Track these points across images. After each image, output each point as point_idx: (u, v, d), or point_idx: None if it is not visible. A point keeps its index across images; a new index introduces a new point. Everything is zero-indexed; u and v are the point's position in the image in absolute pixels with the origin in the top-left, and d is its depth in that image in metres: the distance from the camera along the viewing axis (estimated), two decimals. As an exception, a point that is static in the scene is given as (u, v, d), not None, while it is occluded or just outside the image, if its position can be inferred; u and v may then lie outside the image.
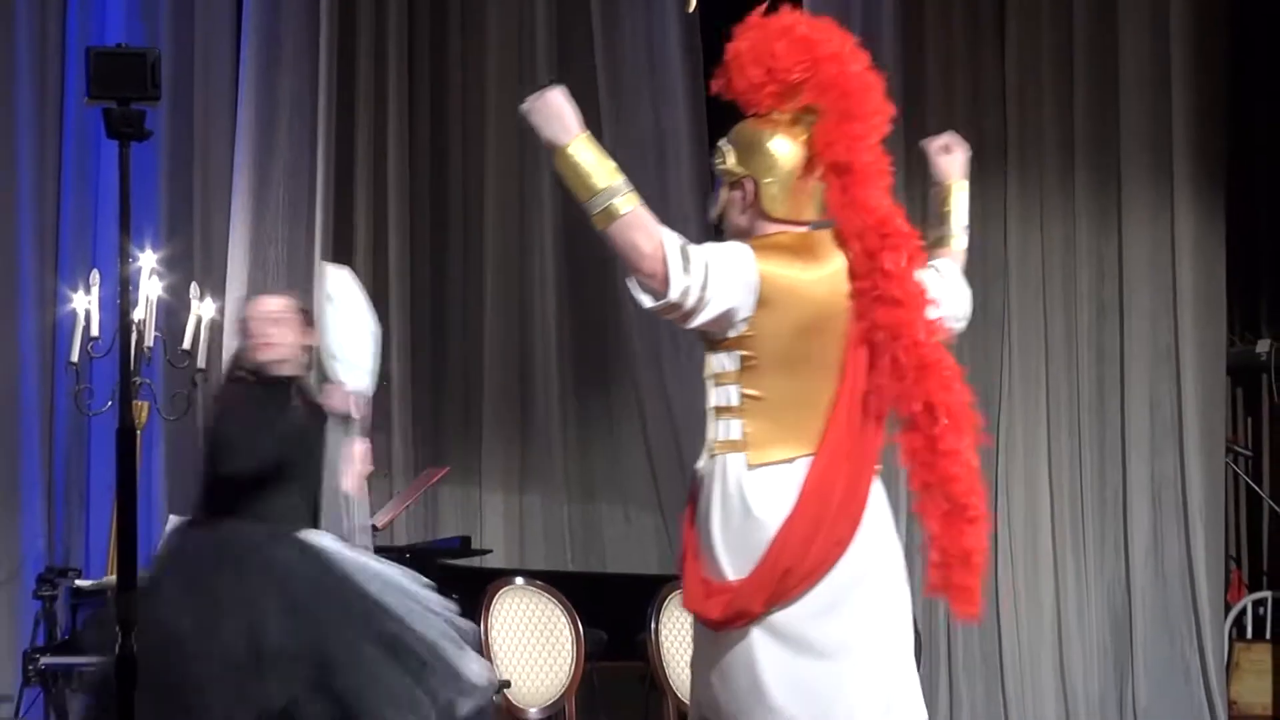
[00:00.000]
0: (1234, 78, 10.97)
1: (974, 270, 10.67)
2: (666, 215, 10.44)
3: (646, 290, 5.66)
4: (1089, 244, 10.89)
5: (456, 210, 12.15)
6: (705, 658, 5.79)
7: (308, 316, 7.45)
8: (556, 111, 5.78)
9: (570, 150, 5.73)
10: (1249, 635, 10.75)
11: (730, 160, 5.83)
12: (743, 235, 5.81)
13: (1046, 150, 10.96)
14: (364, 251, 11.86)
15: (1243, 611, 10.78)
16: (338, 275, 7.70)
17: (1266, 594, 10.84)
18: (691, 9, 8.26)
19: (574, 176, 5.70)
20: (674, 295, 5.60)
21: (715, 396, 5.74)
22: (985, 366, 10.79)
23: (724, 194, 5.89)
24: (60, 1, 12.47)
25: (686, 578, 5.74)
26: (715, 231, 6.19)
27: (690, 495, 5.77)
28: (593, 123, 11.09)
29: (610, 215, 5.62)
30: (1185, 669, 10.53)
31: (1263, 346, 11.06)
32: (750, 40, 5.89)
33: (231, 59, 12.03)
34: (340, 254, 11.66)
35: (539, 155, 11.82)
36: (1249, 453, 11.09)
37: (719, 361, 5.75)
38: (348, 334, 7.45)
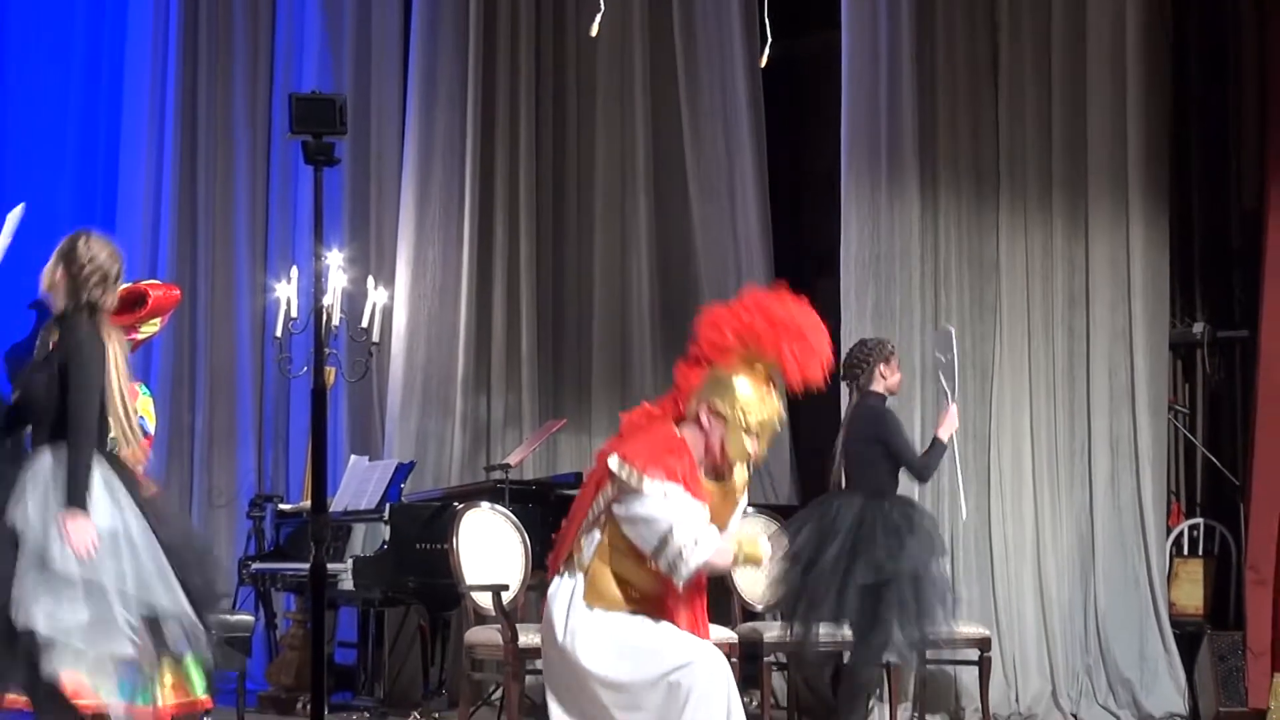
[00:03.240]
0: (1176, 111, 10.89)
1: (971, 269, 10.90)
2: (736, 250, 10.60)
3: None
4: (1062, 247, 10.79)
5: (572, 218, 12.16)
6: None
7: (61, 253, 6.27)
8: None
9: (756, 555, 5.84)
10: (1185, 552, 10.67)
11: None
12: None
13: (1029, 172, 10.86)
14: (500, 251, 11.91)
15: (1180, 534, 10.70)
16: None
17: (1199, 520, 10.72)
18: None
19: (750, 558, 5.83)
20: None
21: None
22: (981, 345, 10.81)
23: None
24: (268, 57, 12.60)
25: None
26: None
27: None
28: (678, 162, 11.23)
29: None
30: (1135, 579, 10.45)
31: (1198, 328, 10.89)
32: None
33: (399, 102, 12.13)
34: (482, 253, 11.81)
35: (637, 175, 11.95)
36: (1186, 410, 10.92)
37: None
38: None
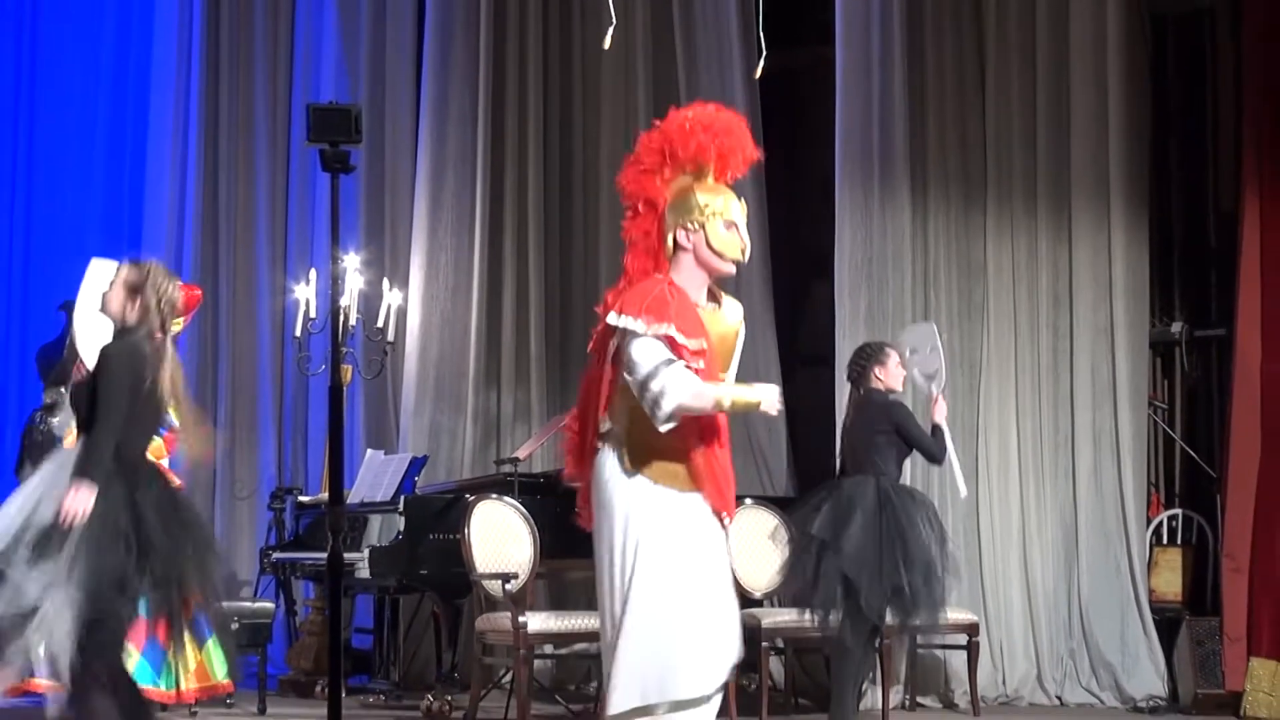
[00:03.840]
0: (1155, 124, 10.91)
1: (960, 271, 10.93)
2: None
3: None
4: (1047, 251, 10.81)
5: (578, 223, 12.14)
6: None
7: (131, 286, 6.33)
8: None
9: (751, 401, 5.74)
10: (1164, 541, 10.68)
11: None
12: None
13: (1015, 179, 10.87)
14: (510, 255, 11.90)
15: (1160, 524, 10.71)
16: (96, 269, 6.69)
17: (1177, 510, 10.76)
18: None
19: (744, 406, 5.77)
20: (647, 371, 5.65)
21: None
22: (970, 343, 10.83)
23: None
24: (288, 69, 12.59)
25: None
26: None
27: None
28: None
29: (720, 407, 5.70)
30: (1117, 566, 10.47)
31: (1176, 327, 10.95)
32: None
33: (413, 111, 12.13)
34: (492, 257, 11.80)
35: None
36: (1165, 406, 10.97)
37: None
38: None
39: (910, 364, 9.01)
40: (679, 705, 5.61)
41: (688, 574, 5.65)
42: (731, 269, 5.88)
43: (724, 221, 5.78)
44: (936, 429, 8.84)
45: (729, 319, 5.94)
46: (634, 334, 5.63)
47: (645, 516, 5.66)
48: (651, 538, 5.64)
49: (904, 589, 8.25)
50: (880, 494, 8.38)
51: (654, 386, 5.57)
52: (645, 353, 5.61)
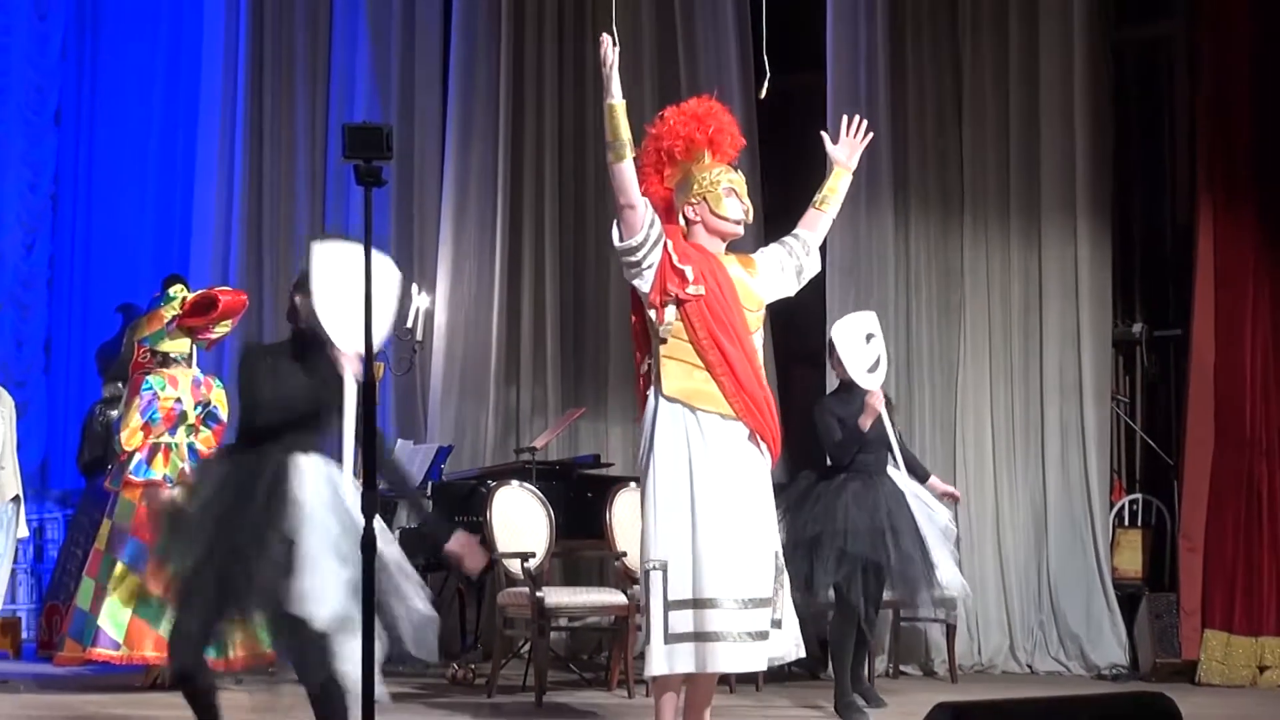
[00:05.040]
0: (1117, 144, 10.94)
1: (939, 278, 10.95)
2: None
3: (625, 225, 5.88)
4: (1018, 259, 10.84)
5: (591, 235, 12.12)
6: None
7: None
8: (612, 74, 5.94)
9: (614, 105, 5.93)
10: (1126, 524, 10.70)
11: None
12: None
13: (990, 194, 10.90)
14: (528, 263, 11.91)
15: (1122, 507, 10.73)
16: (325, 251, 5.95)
17: (1138, 495, 10.78)
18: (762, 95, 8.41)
19: (610, 121, 5.92)
20: (636, 241, 5.86)
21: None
22: (948, 343, 10.88)
23: None
24: (324, 91, 12.58)
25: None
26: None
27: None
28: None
29: (619, 156, 5.85)
30: (1082, 546, 10.50)
31: (1137, 328, 10.98)
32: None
33: (439, 130, 12.14)
34: (512, 264, 11.82)
35: None
36: (1127, 400, 11.02)
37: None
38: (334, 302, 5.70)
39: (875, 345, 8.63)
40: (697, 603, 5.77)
41: (697, 489, 5.79)
42: (738, 230, 6.05)
43: (724, 189, 5.99)
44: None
45: (758, 276, 6.10)
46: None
47: (674, 439, 5.84)
48: (672, 453, 5.83)
49: (891, 565, 8.25)
50: (882, 486, 8.33)
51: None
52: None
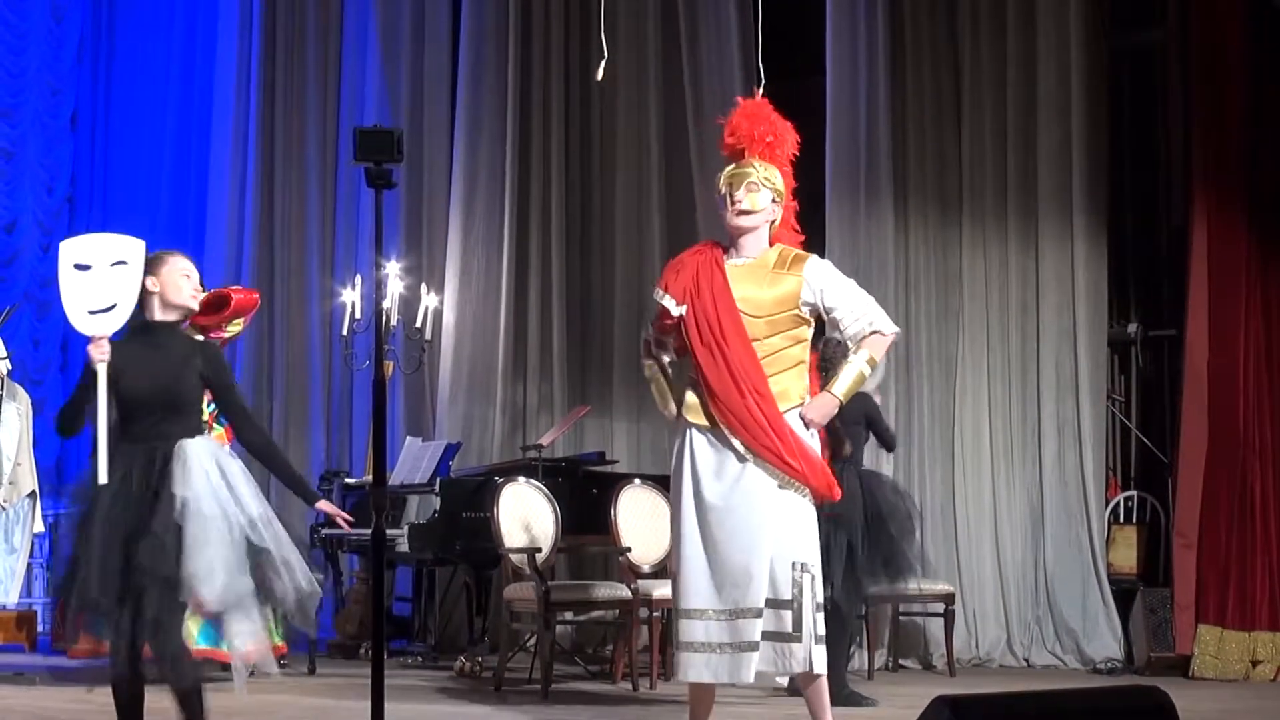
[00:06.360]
0: (1113, 148, 10.95)
1: (938, 280, 10.95)
2: None
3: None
4: (1016, 261, 10.85)
5: (596, 236, 12.16)
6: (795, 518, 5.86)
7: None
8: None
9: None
10: (1121, 520, 10.71)
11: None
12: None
13: (987, 196, 10.90)
14: (535, 263, 11.94)
15: (1117, 504, 10.75)
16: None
17: (1133, 492, 10.79)
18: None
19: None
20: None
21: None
22: (946, 343, 10.89)
23: None
24: (336, 94, 12.60)
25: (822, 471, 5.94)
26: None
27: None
28: (686, 186, 11.25)
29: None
30: (1079, 542, 10.52)
31: (1132, 328, 10.98)
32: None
33: (448, 134, 12.14)
34: (519, 265, 11.83)
35: (651, 199, 11.92)
36: (1122, 399, 11.00)
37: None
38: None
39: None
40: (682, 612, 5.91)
41: (683, 502, 5.93)
42: (735, 222, 6.12)
43: (723, 184, 6.16)
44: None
45: (784, 283, 6.07)
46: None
47: (676, 449, 6.02)
48: (675, 467, 6.01)
49: (880, 559, 8.28)
50: (859, 478, 8.37)
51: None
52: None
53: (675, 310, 6.00)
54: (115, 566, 5.27)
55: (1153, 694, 4.05)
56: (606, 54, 9.02)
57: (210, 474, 5.36)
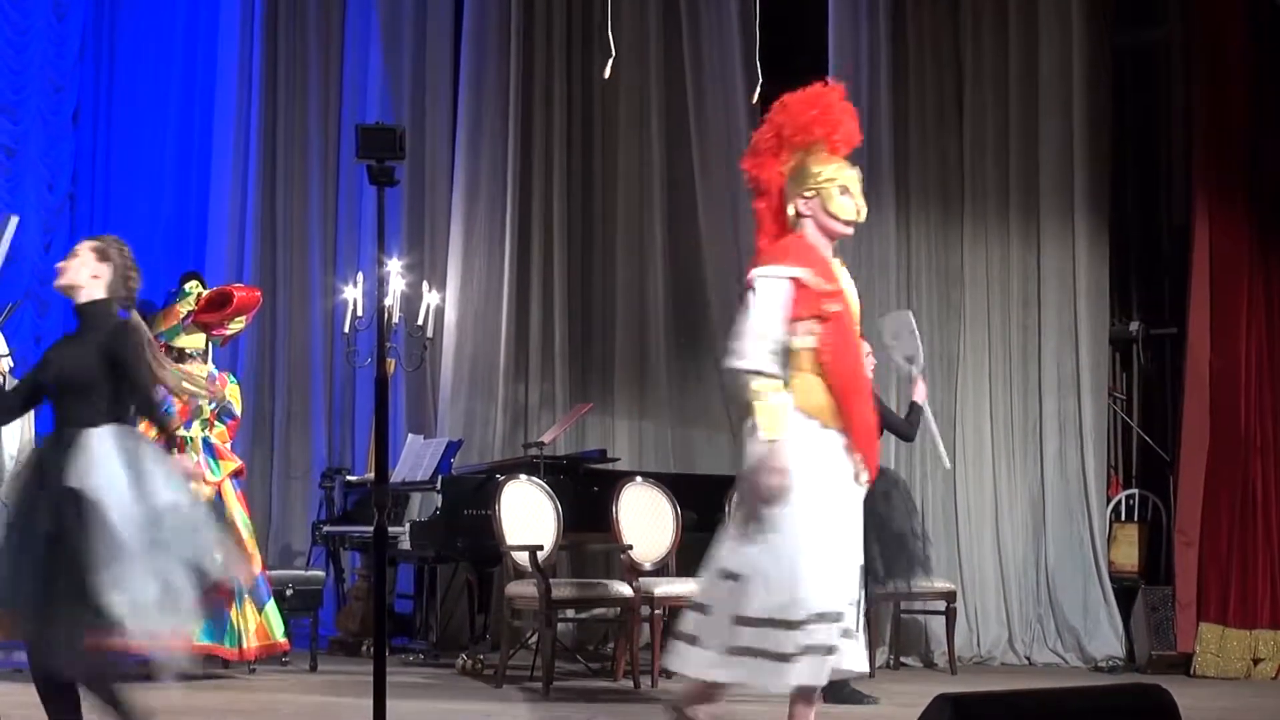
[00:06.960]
0: (1115, 146, 10.96)
1: (939, 277, 10.97)
2: (739, 261, 10.57)
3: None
4: (1018, 258, 10.86)
5: (598, 234, 12.16)
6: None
7: (101, 253, 5.49)
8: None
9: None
10: (1122, 518, 10.75)
11: None
12: None
13: (990, 195, 10.92)
14: (537, 261, 11.93)
15: (1118, 502, 10.77)
16: None
17: (1134, 490, 10.82)
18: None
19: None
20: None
21: None
22: (948, 340, 10.90)
23: None
24: (338, 91, 12.55)
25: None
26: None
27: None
28: (688, 184, 11.26)
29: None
30: (1080, 540, 10.54)
31: (1134, 326, 11.01)
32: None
33: (450, 131, 12.12)
34: (521, 262, 11.82)
35: (653, 196, 11.94)
36: (1123, 396, 11.04)
37: None
38: None
39: (891, 350, 9.01)
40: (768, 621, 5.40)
41: (802, 504, 5.40)
42: (848, 230, 5.67)
43: (838, 187, 5.60)
44: (915, 407, 8.85)
45: (849, 282, 5.75)
46: (762, 277, 5.50)
47: (792, 446, 5.42)
48: (798, 469, 5.42)
49: (877, 559, 8.27)
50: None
51: (735, 344, 5.44)
52: (760, 302, 5.47)
53: (830, 287, 5.53)
54: (27, 565, 5.13)
55: (1154, 692, 4.04)
56: (614, 52, 8.99)
57: (108, 463, 5.19)
